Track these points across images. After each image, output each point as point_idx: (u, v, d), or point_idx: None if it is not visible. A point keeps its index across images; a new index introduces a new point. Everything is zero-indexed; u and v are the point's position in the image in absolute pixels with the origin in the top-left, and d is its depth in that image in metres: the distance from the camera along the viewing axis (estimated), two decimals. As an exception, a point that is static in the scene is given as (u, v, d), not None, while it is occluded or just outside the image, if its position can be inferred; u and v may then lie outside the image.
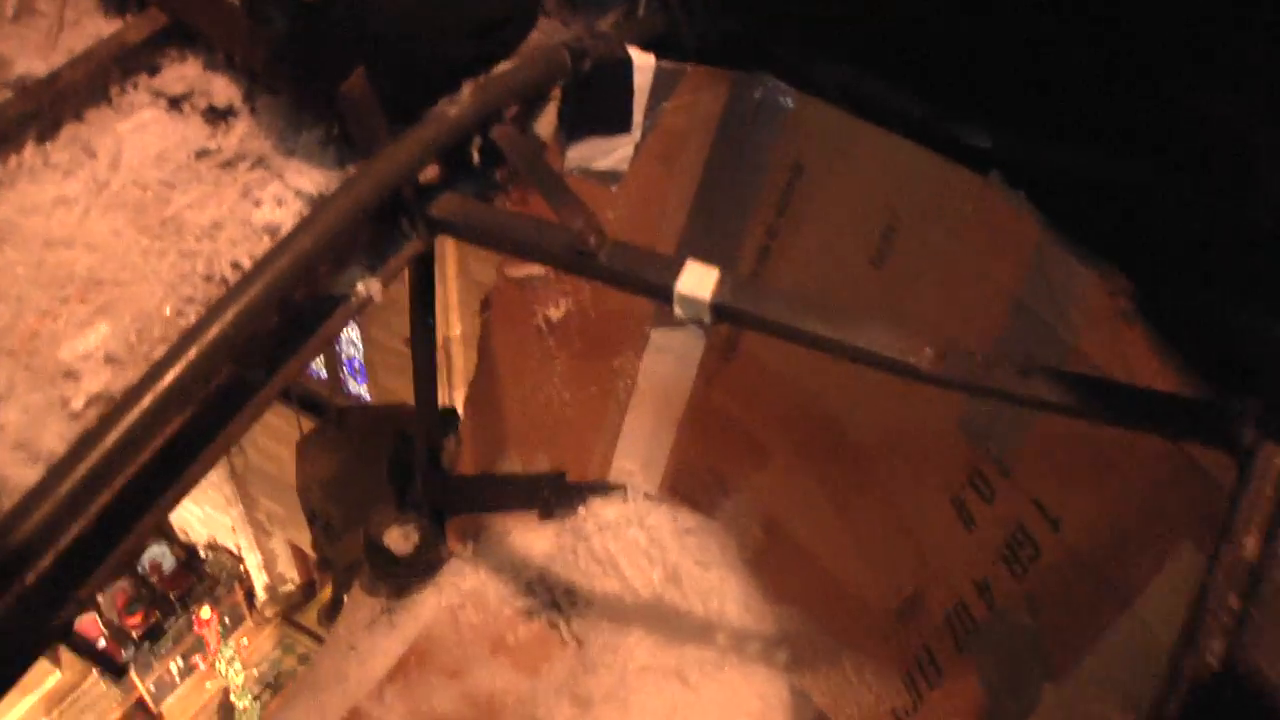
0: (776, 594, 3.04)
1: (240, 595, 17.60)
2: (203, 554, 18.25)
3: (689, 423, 3.14)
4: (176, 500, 1.92)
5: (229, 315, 1.79)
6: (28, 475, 1.67)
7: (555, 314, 2.85)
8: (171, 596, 17.40)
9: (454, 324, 10.87)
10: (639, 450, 3.21)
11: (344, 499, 3.94)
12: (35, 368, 1.81)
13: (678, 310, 2.02)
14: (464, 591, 3.27)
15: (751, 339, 2.95)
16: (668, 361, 3.04)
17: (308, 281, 2.04)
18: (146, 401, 1.73)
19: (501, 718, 3.02)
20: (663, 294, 2.01)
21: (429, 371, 2.78)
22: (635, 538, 3.23)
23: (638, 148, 2.45)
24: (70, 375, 1.78)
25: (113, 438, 1.70)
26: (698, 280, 1.99)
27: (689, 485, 3.23)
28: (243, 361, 1.98)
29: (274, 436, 14.82)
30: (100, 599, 17.22)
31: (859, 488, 2.77)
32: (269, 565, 17.24)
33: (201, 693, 16.69)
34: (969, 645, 2.39)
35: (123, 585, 17.37)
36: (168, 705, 16.51)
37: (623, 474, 3.28)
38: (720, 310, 1.98)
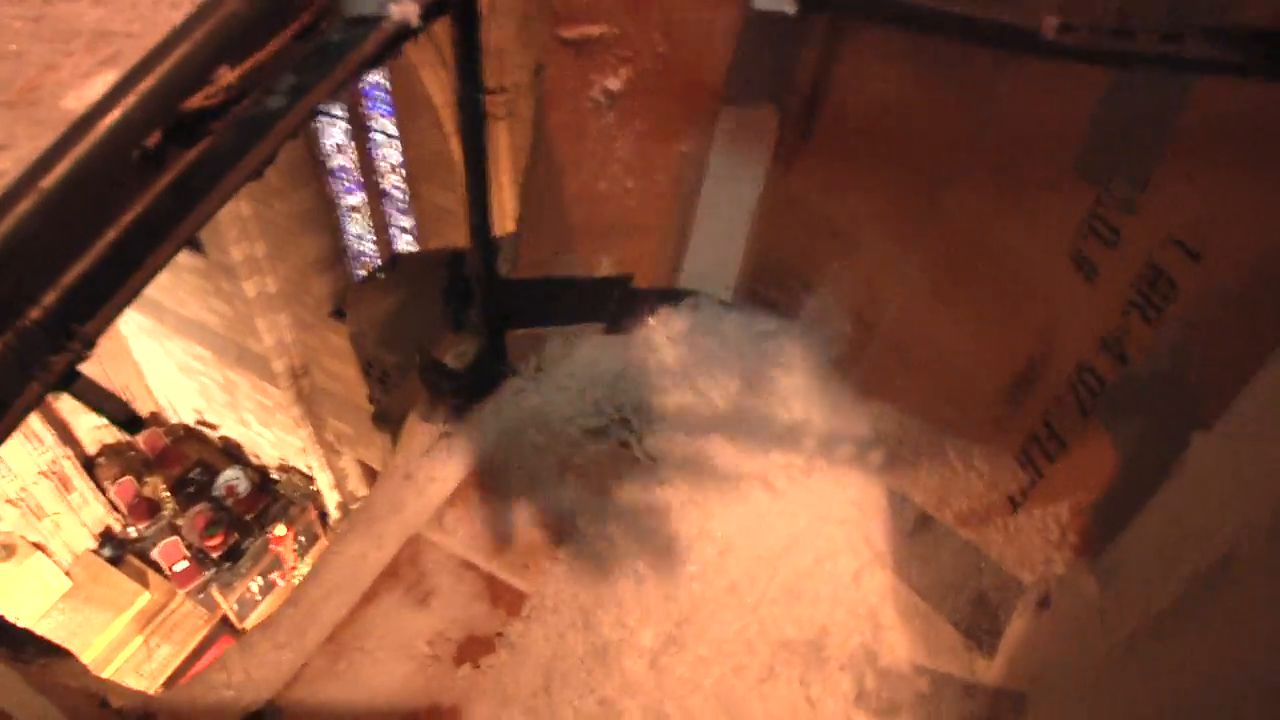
0: (868, 392, 2.77)
1: (314, 514, 17.82)
2: (275, 476, 18.49)
3: (765, 215, 2.85)
4: (191, 231, 1.72)
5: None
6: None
7: (615, 84, 2.56)
8: (248, 518, 17.69)
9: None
10: (711, 250, 2.94)
11: (399, 342, 3.74)
12: (38, 119, 1.63)
13: (758, 1, 1.75)
14: (527, 411, 3.05)
15: (830, 112, 2.65)
16: (739, 144, 2.75)
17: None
18: (130, 98, 1.53)
19: (570, 538, 2.80)
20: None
21: (478, 155, 2.52)
22: (709, 347, 2.97)
23: None
24: (77, 124, 1.61)
25: (92, 137, 1.50)
26: (779, -44, 1.71)
27: (766, 286, 2.96)
28: (264, 88, 1.78)
29: (338, 357, 14.82)
30: (181, 522, 17.59)
31: (960, 261, 2.47)
32: (340, 484, 17.37)
33: (282, 608, 16.95)
34: (1096, 408, 2.10)
35: (202, 509, 17.71)
36: (251, 621, 16.83)
37: (694, 278, 3.01)
38: (806, -10, 1.69)
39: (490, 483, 2.94)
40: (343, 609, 2.77)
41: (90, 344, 1.60)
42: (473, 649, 2.63)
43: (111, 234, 1.61)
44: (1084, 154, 2.12)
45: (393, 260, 3.88)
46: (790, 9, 1.72)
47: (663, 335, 3.00)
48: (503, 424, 3.02)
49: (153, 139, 1.60)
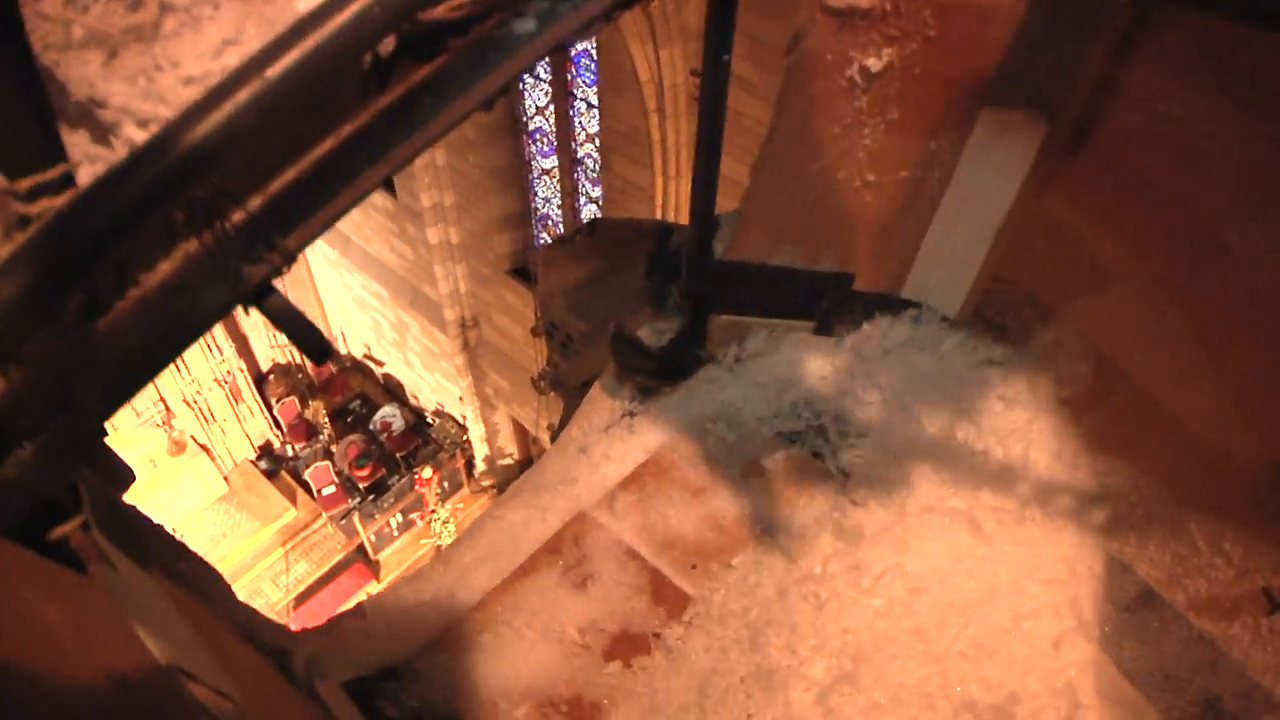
0: (1100, 443, 2.48)
1: (461, 463, 18.16)
2: (430, 420, 18.92)
3: (1010, 231, 2.58)
4: (411, 154, 1.58)
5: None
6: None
7: (875, 65, 2.34)
8: (398, 456, 18.15)
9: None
10: (944, 261, 2.68)
11: (588, 310, 3.59)
12: (270, 17, 1.52)
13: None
14: (719, 403, 2.86)
15: (1107, 127, 2.36)
16: (997, 150, 2.48)
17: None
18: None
19: (746, 545, 2.60)
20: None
21: (716, 121, 2.33)
22: (927, 366, 2.72)
23: None
24: (308, 22, 1.48)
25: (321, 34, 1.36)
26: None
27: (999, 309, 2.68)
28: (514, 9, 1.62)
29: (508, 314, 14.98)
30: (335, 449, 18.17)
31: (1238, 315, 2.17)
32: (490, 438, 17.61)
33: (416, 548, 17.35)
34: (1399, 510, 1.79)
35: (356, 439, 18.27)
36: (385, 556, 17.29)
37: (920, 289, 2.76)
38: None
39: (669, 472, 2.77)
40: (496, 577, 2.65)
41: (291, 258, 1.48)
42: (626, 646, 2.47)
43: (329, 144, 1.49)
44: None
45: (591, 225, 3.73)
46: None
47: (877, 345, 2.77)
48: (692, 412, 2.85)
49: (385, 47, 1.46)
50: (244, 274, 1.46)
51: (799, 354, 2.85)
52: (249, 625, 2.36)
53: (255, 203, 1.44)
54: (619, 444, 2.83)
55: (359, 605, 2.69)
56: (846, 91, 2.38)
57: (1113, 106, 2.34)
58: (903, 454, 2.63)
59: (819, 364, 2.84)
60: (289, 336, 1.63)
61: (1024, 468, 2.53)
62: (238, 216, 1.41)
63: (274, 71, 1.33)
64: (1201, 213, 2.24)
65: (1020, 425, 2.58)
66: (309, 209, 1.51)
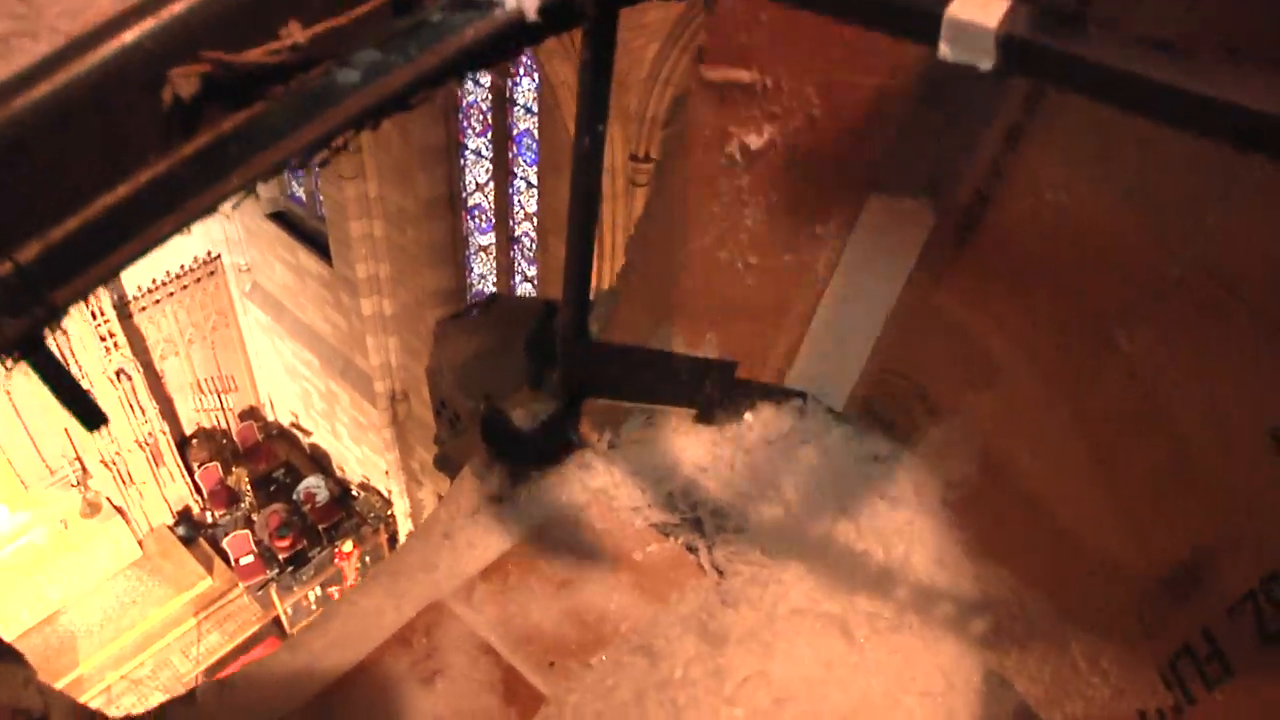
0: (983, 548, 2.36)
1: (384, 538, 17.81)
2: (355, 492, 18.57)
3: (898, 323, 2.48)
4: (214, 203, 1.42)
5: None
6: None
7: (756, 142, 2.24)
8: (320, 528, 17.78)
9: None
10: (830, 350, 2.57)
11: (476, 388, 3.44)
12: None
13: (945, 49, 1.40)
14: (590, 490, 2.70)
15: (997, 218, 2.28)
16: (886, 238, 2.39)
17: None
18: (148, 22, 1.25)
19: (609, 644, 2.43)
20: (927, 25, 1.39)
21: (589, 193, 2.21)
22: (809, 459, 2.59)
23: None
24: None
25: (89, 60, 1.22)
26: (980, 6, 1.36)
27: (886, 403, 2.57)
28: (339, 59, 1.49)
29: (441, 387, 14.77)
30: (256, 518, 17.73)
31: (1126, 418, 2.06)
32: (415, 514, 17.29)
33: (332, 625, 16.88)
34: (1280, 635, 1.66)
35: (278, 509, 17.87)
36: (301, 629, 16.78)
37: (805, 378, 2.64)
38: (1011, 46, 1.34)
39: (534, 562, 2.60)
40: (341, 667, 2.45)
41: (58, 315, 1.31)
42: (471, 749, 2.27)
43: (123, 190, 1.33)
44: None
45: (488, 300, 3.60)
46: (987, 64, 1.36)
47: (760, 436, 2.63)
48: (562, 500, 2.69)
49: (189, 89, 1.32)
50: (5, 327, 1.29)
51: (678, 442, 2.72)
52: (44, 710, 2.14)
53: (28, 252, 1.27)
54: (484, 530, 2.66)
55: (190, 691, 2.48)
56: (727, 169, 2.28)
57: (1002, 194, 2.26)
58: (779, 552, 2.48)
59: (698, 454, 2.70)
60: (57, 397, 1.46)
61: (904, 571, 2.40)
62: (4, 268, 1.25)
63: (21, 101, 1.19)
64: (1091, 308, 2.15)
65: (903, 526, 2.45)
66: (89, 260, 1.35)
